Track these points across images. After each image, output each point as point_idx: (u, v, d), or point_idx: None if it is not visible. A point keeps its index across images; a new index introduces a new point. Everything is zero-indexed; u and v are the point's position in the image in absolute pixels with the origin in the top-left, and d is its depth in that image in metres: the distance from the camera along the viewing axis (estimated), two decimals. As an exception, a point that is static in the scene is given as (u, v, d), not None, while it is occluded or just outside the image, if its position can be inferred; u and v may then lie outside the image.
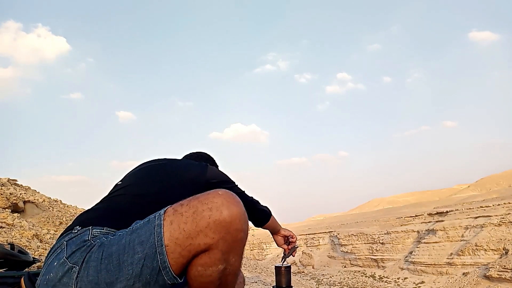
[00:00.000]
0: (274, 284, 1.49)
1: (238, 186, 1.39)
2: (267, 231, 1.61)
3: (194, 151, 1.67)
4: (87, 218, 1.04)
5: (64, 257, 0.90)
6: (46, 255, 1.01)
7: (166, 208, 0.93)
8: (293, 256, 1.66)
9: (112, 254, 0.87)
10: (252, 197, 1.46)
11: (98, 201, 1.17)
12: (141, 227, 0.91)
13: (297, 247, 1.66)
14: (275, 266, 1.51)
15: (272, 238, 1.67)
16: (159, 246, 0.86)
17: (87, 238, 0.94)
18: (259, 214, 1.49)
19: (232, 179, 1.37)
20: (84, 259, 0.88)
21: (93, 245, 0.91)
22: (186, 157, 1.63)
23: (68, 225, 1.07)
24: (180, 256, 0.87)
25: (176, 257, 0.87)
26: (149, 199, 1.11)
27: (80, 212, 1.15)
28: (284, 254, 1.63)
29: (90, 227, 0.98)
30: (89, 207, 1.15)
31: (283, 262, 1.54)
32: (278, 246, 1.66)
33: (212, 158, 1.67)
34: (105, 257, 0.87)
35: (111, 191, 1.21)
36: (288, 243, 1.64)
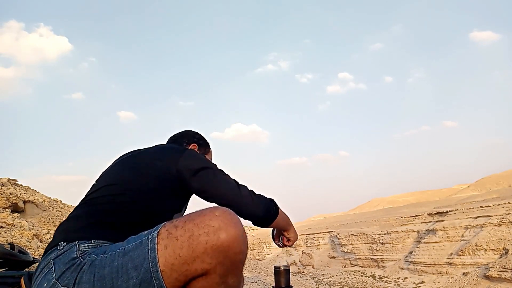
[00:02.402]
0: (274, 284, 1.49)
1: (217, 168, 1.17)
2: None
3: (180, 131, 1.54)
4: (71, 231, 0.99)
5: (54, 279, 0.87)
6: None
7: (159, 228, 0.89)
8: (280, 246, 1.53)
9: (105, 277, 0.84)
10: (252, 191, 1.19)
11: (78, 204, 1.12)
12: (133, 249, 0.87)
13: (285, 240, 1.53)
14: (274, 267, 1.51)
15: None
16: (154, 271, 0.84)
17: (75, 255, 0.90)
18: (268, 216, 1.23)
19: (210, 162, 1.19)
20: (75, 281, 0.85)
21: (83, 263, 0.88)
22: (170, 138, 1.51)
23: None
24: (176, 281, 0.85)
25: (173, 281, 0.85)
26: (125, 199, 1.07)
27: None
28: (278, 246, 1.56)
29: (77, 242, 0.93)
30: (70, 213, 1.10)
31: (281, 245, 1.47)
32: (273, 239, 1.52)
33: (199, 135, 1.52)
34: (97, 279, 0.84)
35: (88, 192, 1.15)
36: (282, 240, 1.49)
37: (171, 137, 1.53)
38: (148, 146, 1.29)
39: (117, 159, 1.27)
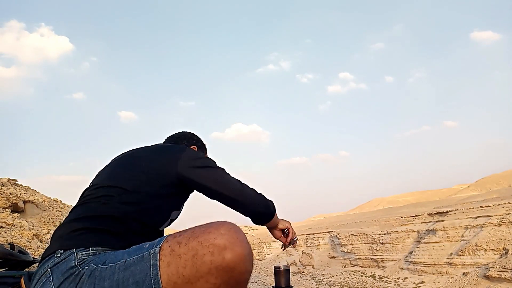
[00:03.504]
0: (274, 284, 1.48)
1: (222, 170, 1.17)
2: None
3: (178, 131, 1.53)
4: (67, 238, 0.96)
5: None
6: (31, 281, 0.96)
7: (161, 243, 0.86)
8: (294, 247, 1.57)
9: None
10: (254, 189, 1.20)
11: (75, 205, 1.09)
12: (135, 264, 0.85)
13: (297, 239, 1.60)
14: (274, 267, 1.50)
15: (272, 238, 1.58)
16: None
17: (74, 263, 0.88)
18: (265, 214, 1.26)
19: (212, 161, 1.18)
20: None
21: (82, 273, 0.86)
22: (167, 139, 1.50)
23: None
24: None
25: None
26: (122, 200, 1.04)
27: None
28: (284, 244, 1.59)
29: (74, 250, 0.91)
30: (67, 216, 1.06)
31: (283, 249, 1.50)
32: (276, 239, 1.50)
33: (197, 137, 1.52)
34: None
35: (83, 193, 1.12)
36: (286, 236, 1.48)
37: (168, 137, 1.51)
38: (146, 145, 1.26)
39: (114, 159, 1.23)
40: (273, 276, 1.49)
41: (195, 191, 1.20)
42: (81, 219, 1.00)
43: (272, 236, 1.50)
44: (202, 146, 1.52)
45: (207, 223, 0.89)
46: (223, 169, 1.18)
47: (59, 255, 0.91)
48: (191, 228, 0.89)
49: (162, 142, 1.50)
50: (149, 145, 1.26)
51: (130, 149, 1.25)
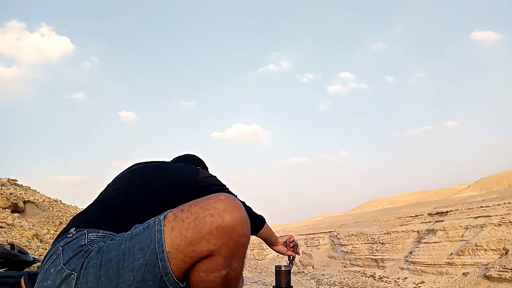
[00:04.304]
0: (274, 284, 1.48)
1: (229, 189, 1.37)
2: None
3: (183, 153, 1.66)
4: (82, 221, 1.02)
5: (61, 264, 0.89)
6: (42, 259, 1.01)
7: (165, 213, 0.92)
8: (299, 254, 1.64)
9: (111, 260, 0.86)
10: (244, 202, 1.37)
11: (92, 202, 1.17)
12: (140, 233, 0.90)
13: (297, 243, 1.64)
14: (275, 267, 1.50)
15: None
16: (160, 252, 0.85)
17: (84, 242, 0.92)
18: (253, 221, 1.38)
19: (223, 182, 1.36)
20: (82, 265, 0.87)
21: (90, 250, 0.90)
22: (174, 160, 1.62)
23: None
24: (182, 262, 0.87)
25: (178, 263, 0.86)
26: (143, 198, 1.12)
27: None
28: (290, 258, 1.62)
29: (86, 231, 0.96)
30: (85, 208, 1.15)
31: (291, 266, 1.53)
32: (283, 255, 1.61)
33: (201, 160, 1.66)
34: (104, 263, 0.86)
35: (102, 191, 1.21)
36: (291, 246, 1.60)
37: (174, 158, 1.62)
38: (159, 160, 1.39)
39: (134, 166, 1.33)
40: (274, 276, 1.49)
41: None
42: (98, 209, 1.10)
43: (278, 252, 1.63)
44: (205, 168, 1.64)
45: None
46: (228, 188, 1.37)
47: (71, 235, 0.96)
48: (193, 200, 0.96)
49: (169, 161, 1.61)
50: (164, 160, 1.41)
51: (148, 161, 1.36)
